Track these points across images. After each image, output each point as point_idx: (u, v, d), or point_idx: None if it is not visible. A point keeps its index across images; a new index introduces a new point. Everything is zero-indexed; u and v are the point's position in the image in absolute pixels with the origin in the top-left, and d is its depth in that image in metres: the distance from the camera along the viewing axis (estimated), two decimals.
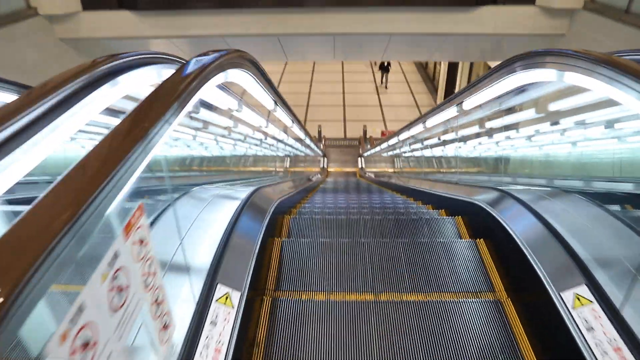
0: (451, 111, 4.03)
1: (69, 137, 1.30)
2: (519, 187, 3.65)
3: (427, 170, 7.51)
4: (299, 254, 2.55)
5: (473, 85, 3.30)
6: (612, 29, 5.71)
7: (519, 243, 2.09)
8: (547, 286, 1.67)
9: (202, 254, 1.59)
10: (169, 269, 1.43)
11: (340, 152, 16.38)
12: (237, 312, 1.41)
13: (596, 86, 1.52)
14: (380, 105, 19.63)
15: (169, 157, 3.19)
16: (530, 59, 2.13)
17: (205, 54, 1.65)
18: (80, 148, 2.48)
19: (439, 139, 6.23)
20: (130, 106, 1.12)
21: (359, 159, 15.24)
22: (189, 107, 1.32)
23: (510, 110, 3.66)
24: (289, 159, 8.48)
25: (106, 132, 0.95)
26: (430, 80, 21.91)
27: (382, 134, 16.01)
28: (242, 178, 5.84)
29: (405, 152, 9.92)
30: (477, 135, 4.88)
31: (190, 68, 1.42)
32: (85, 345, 0.68)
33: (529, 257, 1.94)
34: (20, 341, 0.70)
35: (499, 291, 2.24)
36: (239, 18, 8.05)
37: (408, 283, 2.34)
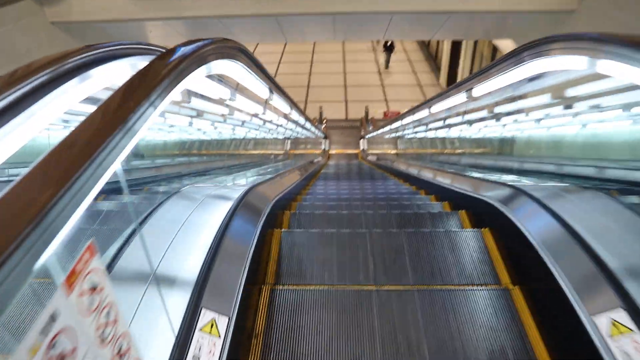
0: (464, 96, 3.79)
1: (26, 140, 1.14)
2: (527, 180, 3.47)
3: (435, 157, 7.30)
4: (297, 272, 2.30)
5: (496, 65, 2.91)
6: (626, 3, 5.45)
7: (540, 252, 1.90)
8: (575, 305, 1.49)
9: (187, 269, 1.43)
10: (148, 284, 1.28)
11: (342, 133, 16.16)
12: (224, 342, 1.25)
13: None
14: (382, 85, 19.31)
15: (167, 141, 3.03)
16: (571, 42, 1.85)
17: (184, 44, 1.47)
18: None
19: (449, 126, 6.01)
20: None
21: (361, 140, 15.03)
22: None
23: (527, 95, 3.45)
24: (289, 141, 8.30)
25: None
26: (432, 59, 21.52)
27: (385, 114, 15.77)
28: (240, 164, 5.66)
29: (410, 138, 9.70)
30: (495, 120, 4.68)
31: (156, 68, 1.23)
32: None
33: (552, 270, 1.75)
34: None
35: (512, 288, 2.07)
36: None
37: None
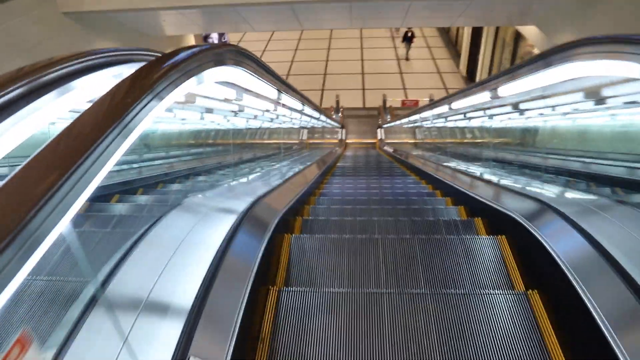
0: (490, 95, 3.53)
1: None
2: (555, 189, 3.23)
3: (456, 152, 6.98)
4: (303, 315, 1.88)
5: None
6: None
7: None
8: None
9: (176, 303, 1.28)
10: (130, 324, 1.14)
11: (359, 122, 15.92)
12: None
13: None
14: (401, 73, 18.95)
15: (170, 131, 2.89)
16: None
17: (174, 54, 1.31)
18: None
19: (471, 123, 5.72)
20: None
21: (378, 129, 14.78)
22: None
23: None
24: (305, 132, 8.10)
25: None
26: (452, 45, 21.02)
27: (403, 103, 15.46)
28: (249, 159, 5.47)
29: (430, 132, 9.37)
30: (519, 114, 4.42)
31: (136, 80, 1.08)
32: None
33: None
34: None
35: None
36: None
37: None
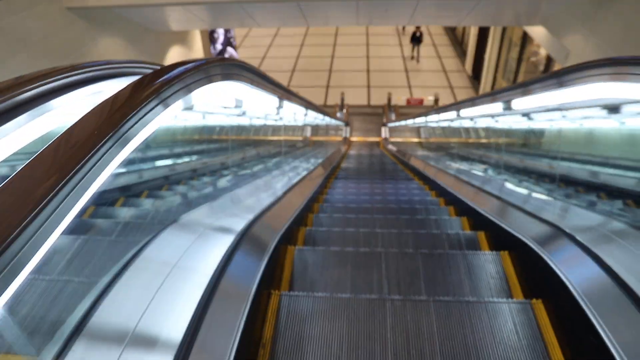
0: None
1: None
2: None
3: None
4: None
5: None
6: None
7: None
8: None
9: (164, 337, 1.23)
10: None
11: (364, 120, 15.86)
12: None
13: None
14: (406, 71, 18.86)
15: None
16: None
17: (165, 71, 1.24)
18: None
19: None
20: None
21: (383, 128, 14.71)
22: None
23: None
24: (309, 130, 8.02)
25: None
26: (458, 44, 20.90)
27: (408, 102, 15.39)
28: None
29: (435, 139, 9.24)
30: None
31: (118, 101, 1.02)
32: None
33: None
34: None
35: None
36: None
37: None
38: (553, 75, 2.33)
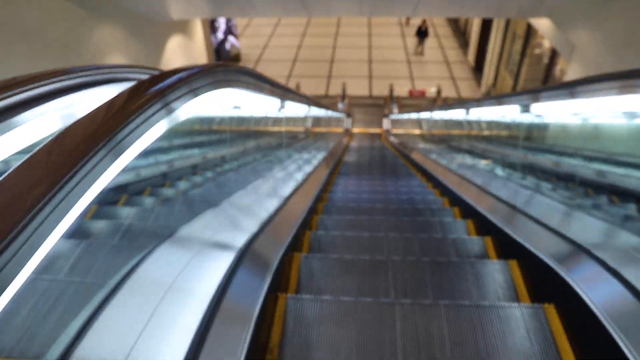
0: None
1: None
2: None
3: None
4: None
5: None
6: None
7: None
8: None
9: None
10: None
11: (365, 111, 15.75)
12: None
13: None
14: (408, 61, 18.71)
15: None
16: None
17: (154, 82, 1.16)
18: None
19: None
20: None
21: (384, 119, 14.62)
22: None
23: None
24: (311, 123, 7.94)
25: None
26: (461, 34, 20.72)
27: (410, 93, 15.28)
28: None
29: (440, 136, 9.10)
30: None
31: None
32: None
33: None
34: None
35: None
36: None
37: None
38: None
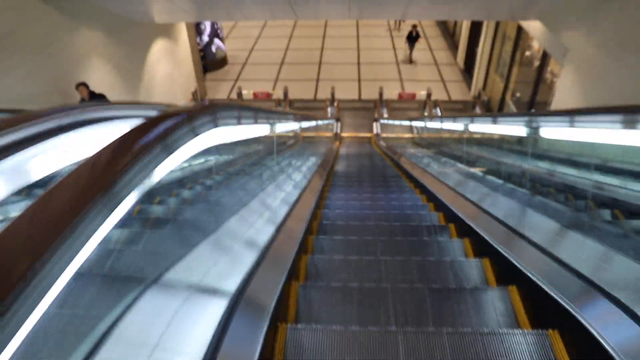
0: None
1: None
2: None
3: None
4: None
5: None
6: None
7: None
8: None
9: None
10: None
11: (355, 115, 15.52)
12: None
13: None
14: (397, 63, 18.52)
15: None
16: None
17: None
18: None
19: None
20: None
21: (374, 123, 14.41)
22: None
23: None
24: (301, 129, 7.67)
25: None
26: (450, 36, 20.60)
27: (400, 96, 15.09)
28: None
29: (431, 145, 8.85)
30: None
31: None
32: None
33: None
34: None
35: None
36: None
37: None
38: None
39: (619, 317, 1.70)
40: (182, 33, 13.99)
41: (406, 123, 9.55)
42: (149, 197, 2.61)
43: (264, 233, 2.75)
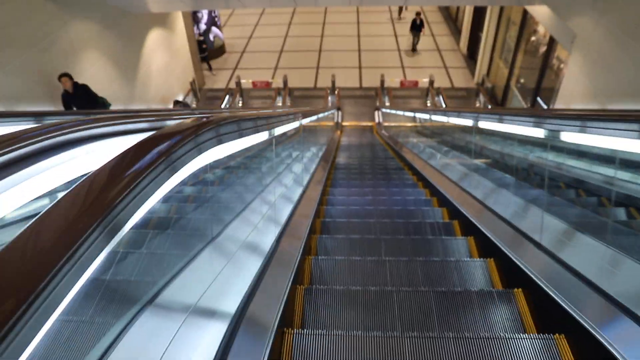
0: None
1: None
2: None
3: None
4: None
5: None
6: None
7: None
8: None
9: None
10: None
11: (356, 103, 15.28)
12: None
13: None
14: (399, 50, 18.21)
15: None
16: None
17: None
18: None
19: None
20: None
21: (376, 112, 14.17)
22: None
23: None
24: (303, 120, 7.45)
25: None
26: (452, 21, 20.24)
27: (402, 84, 14.81)
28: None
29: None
30: None
31: None
32: None
33: None
34: None
35: None
36: None
37: None
38: None
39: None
40: (179, 22, 13.70)
41: (409, 114, 9.31)
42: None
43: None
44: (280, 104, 14.18)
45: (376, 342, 2.03)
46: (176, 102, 10.04)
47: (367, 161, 8.30)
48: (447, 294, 2.50)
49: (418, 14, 16.79)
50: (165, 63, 12.45)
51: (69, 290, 0.70)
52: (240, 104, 14.65)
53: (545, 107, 9.66)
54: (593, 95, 6.94)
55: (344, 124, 14.20)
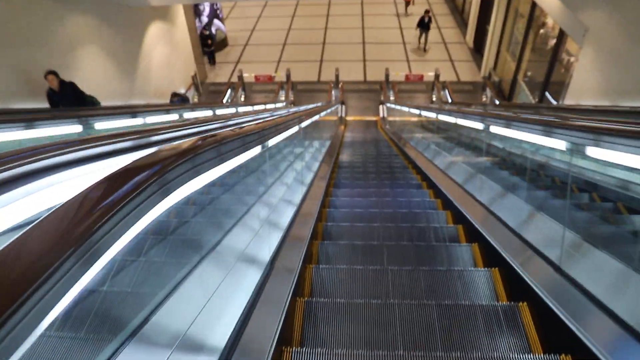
0: None
1: None
2: None
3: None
4: None
5: None
6: None
7: None
8: None
9: None
10: None
11: (360, 97, 15.04)
12: None
13: None
14: (404, 43, 17.92)
15: None
16: None
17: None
18: None
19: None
20: None
21: (381, 106, 13.94)
22: None
23: None
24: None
25: None
26: (459, 13, 19.91)
27: (407, 78, 14.56)
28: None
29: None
30: None
31: None
32: None
33: None
34: None
35: None
36: None
37: None
38: None
39: None
40: (179, 15, 13.48)
41: (415, 111, 9.08)
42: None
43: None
44: (282, 98, 13.96)
45: None
46: (174, 95, 9.77)
47: (371, 159, 8.09)
48: (451, 307, 2.37)
49: (427, 11, 16.17)
50: (166, 57, 12.25)
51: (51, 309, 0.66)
52: (242, 99, 14.45)
53: (554, 102, 9.40)
54: (605, 90, 6.70)
55: (348, 118, 13.99)
